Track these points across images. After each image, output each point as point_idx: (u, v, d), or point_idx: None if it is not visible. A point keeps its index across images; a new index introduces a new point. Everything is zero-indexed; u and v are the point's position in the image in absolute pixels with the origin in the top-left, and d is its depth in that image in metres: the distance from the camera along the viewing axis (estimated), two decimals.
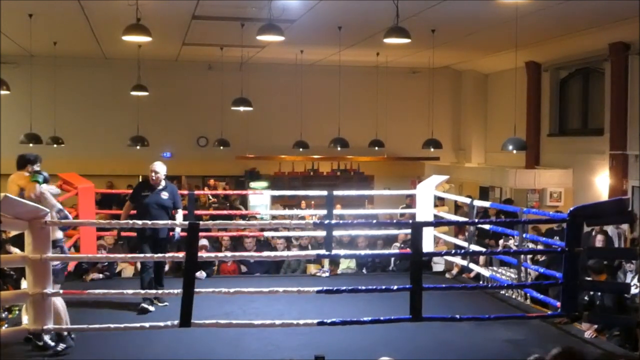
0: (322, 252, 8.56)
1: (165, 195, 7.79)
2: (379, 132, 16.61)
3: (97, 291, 6.34)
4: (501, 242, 9.93)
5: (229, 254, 9.01)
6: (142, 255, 6.26)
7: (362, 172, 19.20)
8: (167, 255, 5.79)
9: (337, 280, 9.13)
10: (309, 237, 10.61)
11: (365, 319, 6.05)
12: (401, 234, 10.49)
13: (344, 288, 6.30)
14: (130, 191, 8.36)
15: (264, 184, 17.70)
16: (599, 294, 6.92)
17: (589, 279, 6.78)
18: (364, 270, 10.27)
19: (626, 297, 7.03)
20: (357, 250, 10.32)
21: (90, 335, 6.27)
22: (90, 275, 8.93)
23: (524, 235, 7.77)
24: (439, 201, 10.56)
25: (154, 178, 7.78)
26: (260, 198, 16.03)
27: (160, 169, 7.83)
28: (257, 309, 7.41)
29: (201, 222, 5.89)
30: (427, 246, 9.11)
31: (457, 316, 6.18)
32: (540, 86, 16.39)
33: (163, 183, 7.84)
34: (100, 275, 9.02)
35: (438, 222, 9.05)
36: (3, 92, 12.63)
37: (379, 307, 7.12)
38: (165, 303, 7.70)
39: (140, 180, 11.66)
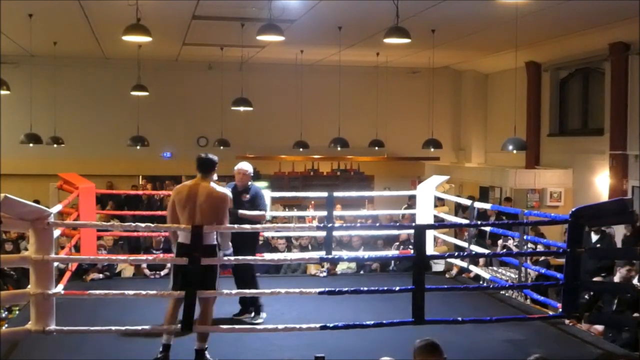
0: (324, 255, 8.49)
1: (245, 198, 6.88)
2: (379, 132, 16.61)
3: (97, 291, 6.32)
4: (500, 242, 9.96)
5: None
6: (144, 257, 6.15)
7: (362, 172, 19.18)
8: (168, 257, 5.75)
9: (337, 281, 9.12)
10: (308, 237, 10.62)
11: (367, 322, 6.03)
12: (402, 234, 10.48)
13: (345, 289, 6.29)
14: (130, 192, 8.23)
15: (264, 183, 17.66)
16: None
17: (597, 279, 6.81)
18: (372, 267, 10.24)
19: (627, 298, 7.04)
20: (356, 251, 10.34)
21: (91, 337, 6.26)
22: (91, 275, 8.93)
23: (525, 237, 7.77)
24: (439, 201, 10.56)
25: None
26: None
27: (247, 168, 6.96)
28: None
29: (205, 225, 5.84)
30: (428, 246, 9.10)
31: (460, 319, 6.19)
32: (540, 86, 16.39)
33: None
34: (100, 276, 9.02)
35: (441, 225, 9.04)
36: (3, 92, 12.63)
37: (380, 307, 7.12)
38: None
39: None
